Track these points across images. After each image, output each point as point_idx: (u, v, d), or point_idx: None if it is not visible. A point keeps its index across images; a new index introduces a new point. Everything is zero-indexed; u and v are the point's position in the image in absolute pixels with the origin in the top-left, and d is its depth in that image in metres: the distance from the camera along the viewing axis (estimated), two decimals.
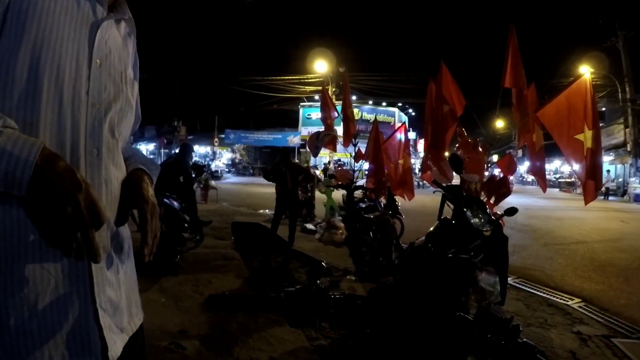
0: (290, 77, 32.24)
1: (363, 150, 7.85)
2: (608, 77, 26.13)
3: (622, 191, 25.55)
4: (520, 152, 40.10)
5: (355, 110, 26.03)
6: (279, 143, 36.43)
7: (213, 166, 32.98)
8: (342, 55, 37.59)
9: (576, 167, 4.44)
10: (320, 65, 30.82)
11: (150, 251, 0.98)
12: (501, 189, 4.45)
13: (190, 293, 4.74)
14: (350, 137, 8.02)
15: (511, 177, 4.81)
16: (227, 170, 37.27)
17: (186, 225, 6.46)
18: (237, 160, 42.23)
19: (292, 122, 39.83)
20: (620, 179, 27.35)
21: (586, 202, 4.36)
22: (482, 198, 4.20)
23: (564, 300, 5.24)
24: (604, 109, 28.25)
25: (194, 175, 7.87)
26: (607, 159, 27.19)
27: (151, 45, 37.14)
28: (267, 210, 11.84)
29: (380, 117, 31.92)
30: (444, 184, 4.32)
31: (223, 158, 41.21)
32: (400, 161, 7.23)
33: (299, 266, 5.72)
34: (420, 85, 25.21)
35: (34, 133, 0.83)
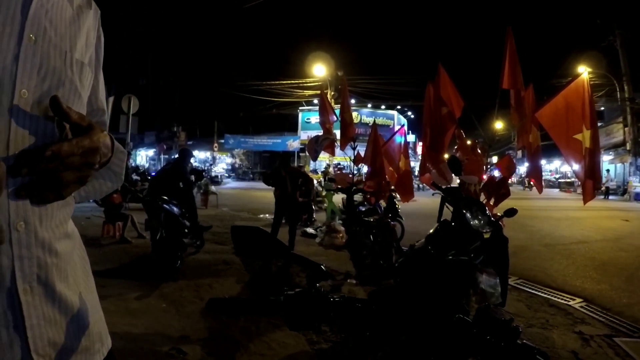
0: (289, 82, 32.24)
1: (362, 153, 7.87)
2: (606, 76, 26.20)
3: (622, 190, 25.56)
4: (519, 153, 40.16)
5: (355, 114, 26.06)
6: (279, 147, 36.49)
7: (213, 171, 33.00)
8: (340, 59, 37.58)
9: (575, 167, 4.45)
10: (319, 69, 30.87)
11: (53, 153, 0.68)
12: (500, 190, 4.46)
13: (191, 298, 4.74)
14: (347, 140, 8.03)
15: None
16: (227, 175, 37.32)
17: (186, 230, 6.47)
18: (236, 165, 42.28)
19: (291, 127, 39.86)
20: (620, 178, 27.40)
21: (585, 202, 4.37)
22: (481, 199, 4.21)
23: (566, 300, 5.23)
24: (602, 108, 28.30)
25: (193, 181, 7.88)
26: (606, 158, 27.23)
27: (150, 51, 37.22)
28: (267, 215, 11.84)
29: (379, 120, 31.94)
30: (443, 186, 4.33)
31: (222, 163, 41.28)
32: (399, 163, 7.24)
33: (299, 270, 5.71)
34: (418, 88, 25.26)
35: None
